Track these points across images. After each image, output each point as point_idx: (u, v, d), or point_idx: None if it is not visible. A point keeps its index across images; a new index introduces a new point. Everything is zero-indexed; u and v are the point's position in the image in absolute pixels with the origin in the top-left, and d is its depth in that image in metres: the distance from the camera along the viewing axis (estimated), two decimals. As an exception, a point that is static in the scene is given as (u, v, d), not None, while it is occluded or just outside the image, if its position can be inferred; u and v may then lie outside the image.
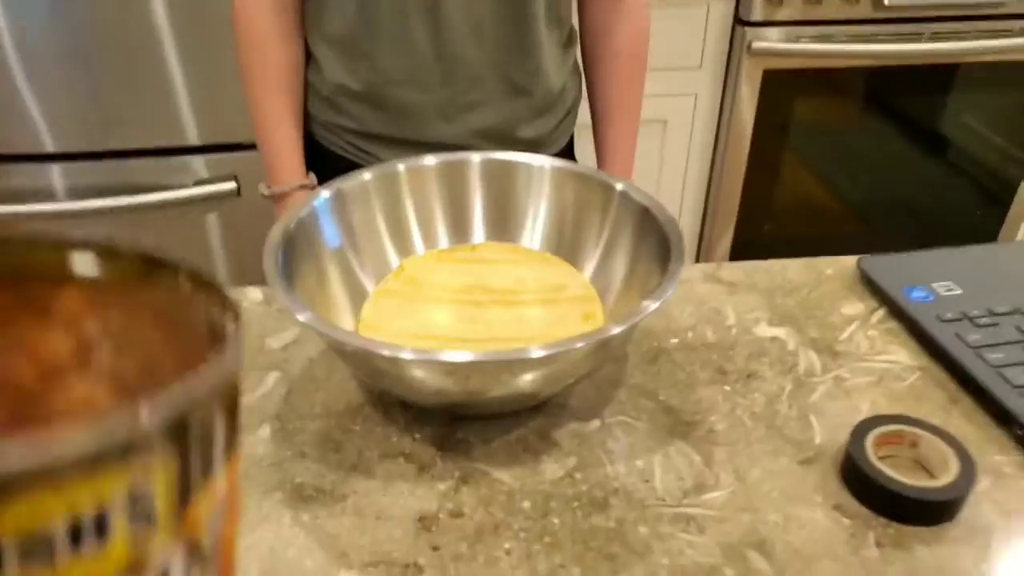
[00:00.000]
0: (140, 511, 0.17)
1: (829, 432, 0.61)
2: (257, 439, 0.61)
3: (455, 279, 0.71)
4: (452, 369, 0.52)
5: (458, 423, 0.62)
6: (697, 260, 2.07)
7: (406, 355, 0.51)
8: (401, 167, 0.70)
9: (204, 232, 1.54)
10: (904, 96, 1.95)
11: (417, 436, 0.61)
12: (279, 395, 0.65)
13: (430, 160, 0.71)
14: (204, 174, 1.50)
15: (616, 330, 0.53)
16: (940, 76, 1.92)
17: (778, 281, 0.79)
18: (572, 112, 1.07)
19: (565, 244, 0.72)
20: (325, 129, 1.00)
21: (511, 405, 0.61)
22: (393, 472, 0.58)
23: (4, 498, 0.15)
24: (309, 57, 0.97)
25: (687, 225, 2.02)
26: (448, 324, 0.67)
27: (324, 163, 1.01)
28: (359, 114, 0.95)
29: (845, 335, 0.71)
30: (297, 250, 0.61)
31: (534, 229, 0.73)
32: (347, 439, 0.61)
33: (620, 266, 0.68)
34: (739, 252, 2.04)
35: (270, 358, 0.69)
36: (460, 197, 0.73)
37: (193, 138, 1.47)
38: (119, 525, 0.17)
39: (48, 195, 1.46)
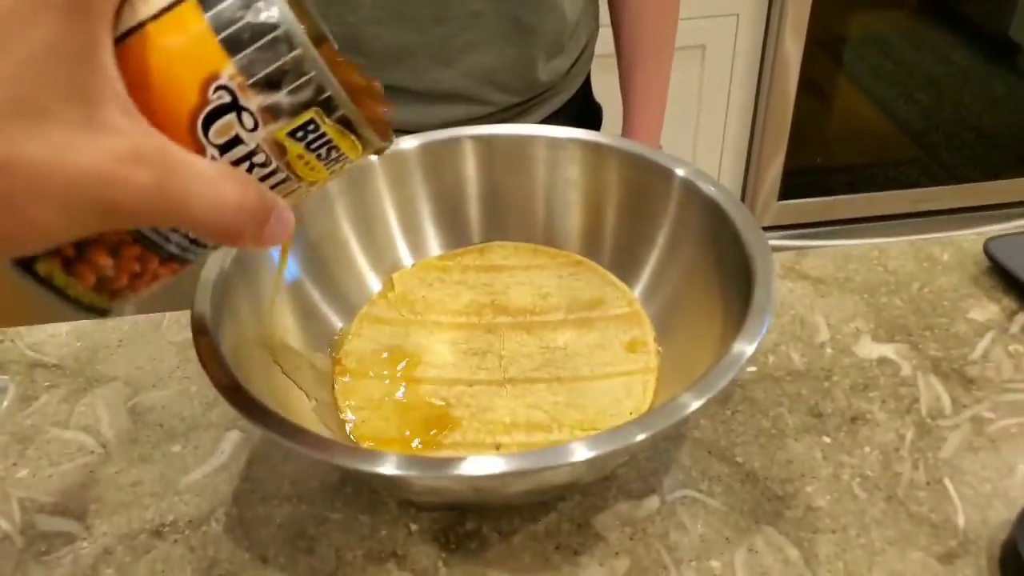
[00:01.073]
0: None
1: (976, 508, 0.45)
2: (208, 534, 0.46)
3: (459, 296, 0.55)
4: (452, 482, 0.36)
5: (468, 509, 0.46)
6: (743, 199, 1.87)
7: (387, 469, 0.35)
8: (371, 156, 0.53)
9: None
10: (969, -1, 1.72)
11: (413, 528, 0.46)
12: (238, 467, 0.50)
13: (409, 143, 0.54)
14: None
15: (695, 404, 0.37)
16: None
17: (879, 273, 0.61)
18: (588, 48, 0.88)
19: (603, 246, 0.55)
20: None
21: (537, 498, 0.45)
22: (382, 585, 0.43)
23: None
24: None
25: (732, 160, 1.82)
26: (452, 362, 0.51)
27: None
28: None
29: (978, 352, 0.54)
30: (236, 295, 0.45)
31: (559, 225, 0.56)
32: (322, 534, 0.46)
33: (676, 279, 0.51)
34: (789, 187, 1.84)
35: (228, 413, 0.53)
36: (455, 188, 0.55)
37: None
38: None
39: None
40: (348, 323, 0.53)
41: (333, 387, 0.50)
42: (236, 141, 0.27)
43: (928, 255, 0.62)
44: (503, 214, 0.57)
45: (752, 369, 0.54)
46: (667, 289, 0.51)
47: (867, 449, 0.48)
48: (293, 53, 0.27)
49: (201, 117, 0.27)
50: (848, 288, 0.60)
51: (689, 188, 0.49)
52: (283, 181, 0.30)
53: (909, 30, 1.75)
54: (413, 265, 0.56)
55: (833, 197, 1.90)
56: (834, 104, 1.83)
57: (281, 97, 0.27)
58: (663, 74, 0.89)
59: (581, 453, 0.35)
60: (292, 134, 0.28)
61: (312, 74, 0.27)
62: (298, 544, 0.46)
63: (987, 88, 1.84)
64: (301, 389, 0.48)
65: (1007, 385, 0.51)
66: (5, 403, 0.55)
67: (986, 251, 0.59)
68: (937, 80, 1.82)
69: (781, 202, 1.89)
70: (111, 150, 0.23)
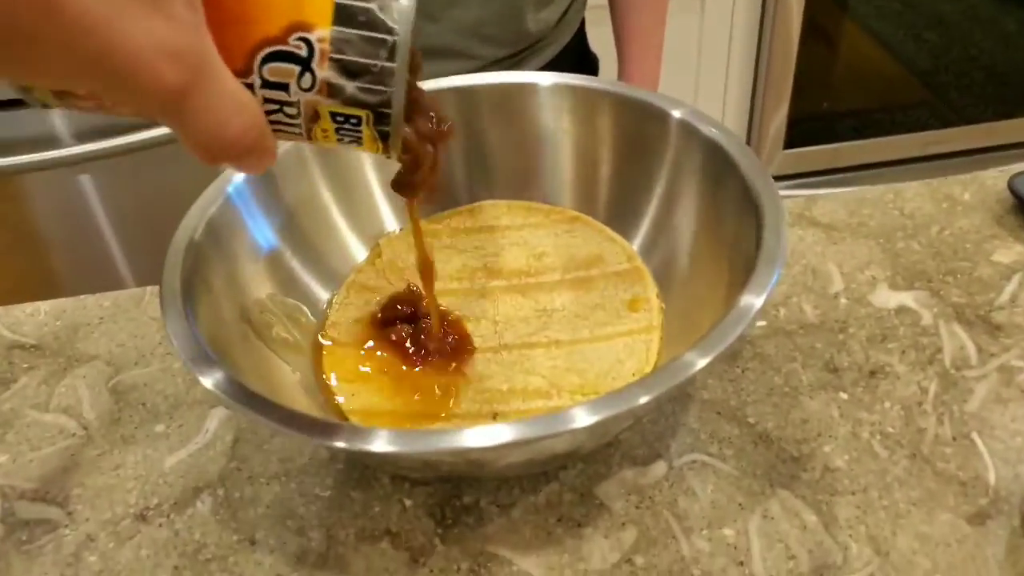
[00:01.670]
0: None
1: (1007, 463, 0.42)
2: (193, 517, 0.44)
3: (449, 260, 0.52)
4: (446, 455, 0.34)
5: (464, 481, 0.44)
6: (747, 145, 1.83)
7: (376, 446, 0.33)
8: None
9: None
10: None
11: (407, 503, 0.43)
12: (224, 445, 0.48)
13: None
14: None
15: (701, 362, 0.34)
16: None
17: (894, 217, 0.57)
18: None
19: (598, 199, 0.52)
20: None
21: (537, 468, 0.42)
22: (375, 565, 0.41)
23: None
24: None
25: (734, 109, 1.77)
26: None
27: None
28: None
29: (1005, 296, 0.51)
30: (209, 266, 0.42)
31: (552, 179, 0.52)
32: (312, 513, 0.44)
33: (678, 230, 0.48)
34: (794, 136, 1.79)
35: (211, 388, 0.51)
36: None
37: None
38: None
39: (51, 141, 1.33)
40: (333, 292, 0.50)
41: (321, 358, 0.48)
42: (283, 87, 0.27)
43: (947, 195, 0.58)
44: (492, 171, 0.53)
45: (762, 323, 0.51)
46: (668, 241, 0.48)
47: (887, 404, 0.45)
48: (388, 64, 0.27)
49: (268, 50, 0.26)
50: (862, 234, 0.56)
51: (688, 130, 0.46)
52: (291, 130, 0.29)
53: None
54: (401, 230, 0.53)
55: (840, 144, 1.85)
56: (839, 48, 1.78)
57: (350, 86, 0.27)
58: (658, 18, 0.85)
59: (580, 420, 0.33)
60: (335, 115, 0.28)
61: (389, 90, 0.28)
62: (287, 524, 0.43)
63: (997, 25, 1.78)
64: (284, 361, 0.46)
65: (1036, 330, 0.48)
66: (-16, 387, 0.53)
67: (1011, 188, 0.55)
68: (945, 18, 1.76)
69: (787, 151, 1.84)
70: (158, 38, 0.23)
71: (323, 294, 0.50)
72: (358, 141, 0.30)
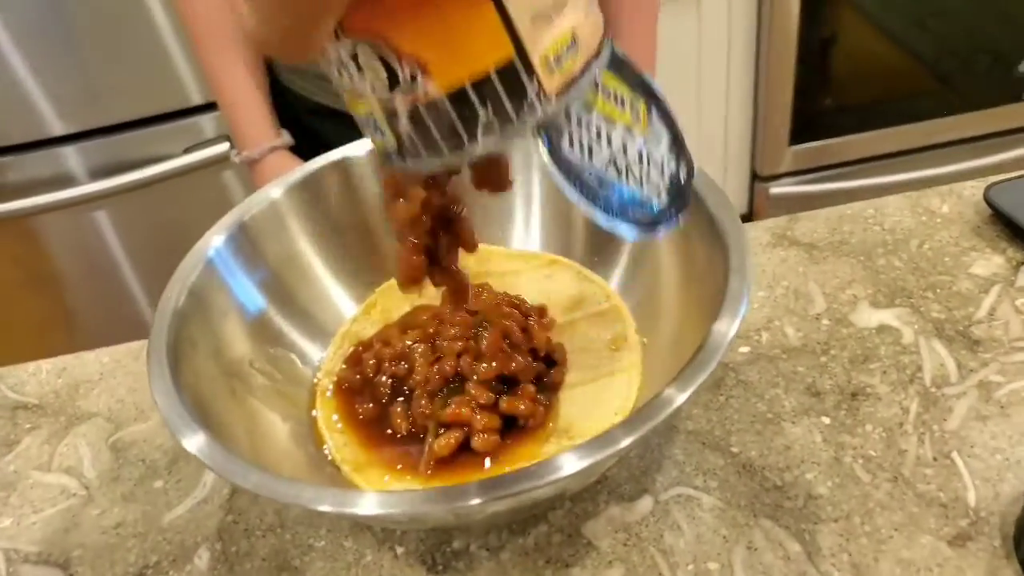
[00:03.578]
0: None
1: (987, 482, 0.42)
2: (192, 574, 0.45)
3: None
4: (428, 513, 0.35)
5: (455, 526, 0.45)
6: (752, 147, 1.82)
7: (362, 509, 0.34)
8: (318, 165, 0.51)
9: (226, 189, 1.41)
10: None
11: (399, 551, 0.44)
12: (221, 498, 0.49)
13: (355, 150, 0.51)
14: (211, 133, 1.37)
15: (680, 398, 0.35)
16: None
17: (875, 233, 0.58)
18: None
19: (574, 241, 0.52)
20: (291, 71, 0.82)
21: (524, 513, 0.43)
22: (370, 614, 0.42)
23: None
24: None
25: (737, 113, 1.77)
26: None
27: (295, 111, 0.83)
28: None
29: (983, 310, 0.51)
30: (192, 327, 0.43)
31: (528, 222, 0.53)
32: (307, 564, 0.45)
33: (652, 265, 0.48)
34: (799, 131, 1.78)
35: (208, 441, 0.52)
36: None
37: (197, 98, 1.34)
38: None
39: (67, 180, 1.36)
40: (322, 345, 0.51)
41: (312, 408, 0.49)
42: (365, 74, 0.27)
43: (926, 208, 0.58)
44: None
45: (745, 349, 0.51)
46: (644, 277, 0.49)
47: (869, 427, 0.46)
48: (450, 150, 0.27)
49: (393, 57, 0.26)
50: (843, 251, 0.56)
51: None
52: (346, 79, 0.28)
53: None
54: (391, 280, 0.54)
55: (846, 137, 1.84)
56: (841, 40, 1.77)
57: (483, 110, 0.26)
58: (649, 28, 0.85)
59: (563, 468, 0.34)
60: (377, 118, 0.28)
61: (432, 160, 0.28)
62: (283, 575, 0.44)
63: (1000, 7, 1.76)
64: (274, 412, 0.47)
65: (1016, 343, 0.48)
66: (-9, 448, 0.55)
67: (987, 199, 0.55)
68: (948, 5, 1.75)
69: (793, 147, 1.83)
70: None
71: (311, 347, 0.51)
72: (380, 134, 0.29)
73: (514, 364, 0.44)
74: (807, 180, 1.82)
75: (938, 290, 0.52)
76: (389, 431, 0.46)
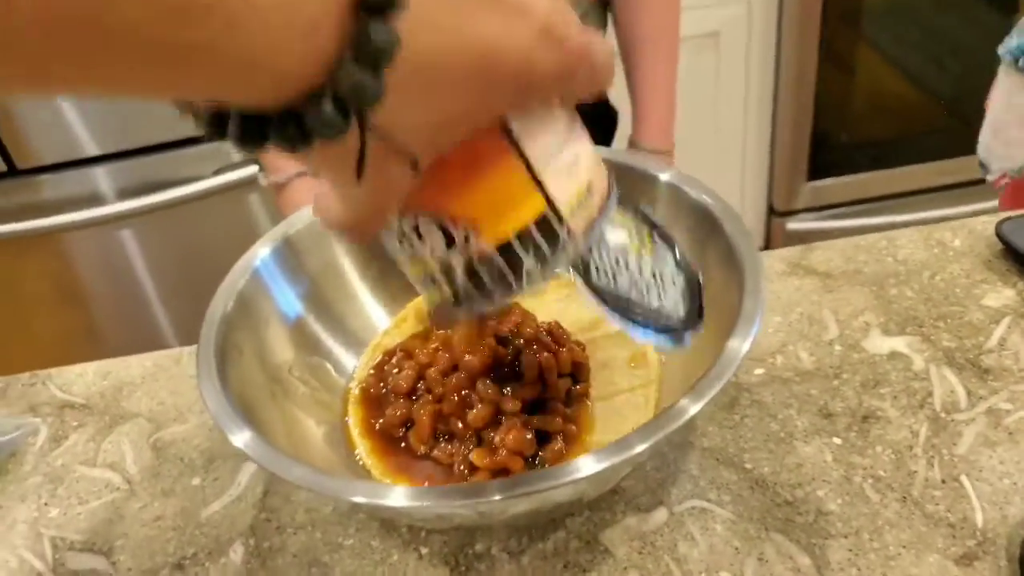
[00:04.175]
0: None
1: (995, 505, 0.44)
2: (227, 566, 0.47)
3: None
4: (454, 508, 0.37)
5: (477, 530, 0.47)
6: (770, 183, 1.84)
7: (392, 501, 0.36)
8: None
9: (251, 213, 1.45)
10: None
11: (424, 551, 0.46)
12: (255, 497, 0.51)
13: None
14: (238, 156, 1.40)
15: (694, 409, 0.37)
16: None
17: (888, 264, 0.60)
18: None
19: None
20: None
21: (544, 517, 0.45)
22: (396, 610, 0.44)
23: None
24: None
25: (755, 148, 1.79)
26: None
27: None
28: None
29: (993, 340, 0.53)
30: (239, 333, 0.46)
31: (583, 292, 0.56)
32: (335, 561, 0.47)
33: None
34: (817, 168, 1.80)
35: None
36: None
37: None
38: None
39: (96, 199, 1.40)
40: (356, 354, 0.54)
41: (346, 413, 0.51)
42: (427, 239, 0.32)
43: (939, 241, 0.61)
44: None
45: (760, 371, 0.53)
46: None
47: (879, 448, 0.48)
48: (479, 299, 0.33)
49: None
50: (857, 281, 0.59)
51: (676, 192, 0.49)
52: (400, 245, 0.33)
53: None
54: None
55: (864, 174, 1.86)
56: (858, 78, 1.79)
57: (530, 260, 0.31)
58: (670, 68, 0.89)
59: (580, 470, 0.36)
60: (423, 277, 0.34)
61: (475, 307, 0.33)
62: (313, 572, 0.46)
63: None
64: (309, 417, 0.49)
65: (1024, 373, 0.50)
66: (38, 444, 0.57)
67: (998, 233, 0.57)
68: (965, 44, 1.77)
69: (810, 183, 1.85)
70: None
71: (346, 356, 0.53)
72: (437, 289, 0.34)
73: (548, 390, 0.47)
74: (823, 216, 1.84)
75: (949, 320, 0.54)
76: (403, 443, 0.48)
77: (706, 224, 0.47)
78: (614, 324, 0.40)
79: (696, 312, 0.41)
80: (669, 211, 0.49)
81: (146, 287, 1.48)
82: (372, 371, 0.52)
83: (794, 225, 1.84)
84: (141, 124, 1.36)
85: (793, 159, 1.80)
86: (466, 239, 0.31)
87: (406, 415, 0.48)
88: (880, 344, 0.54)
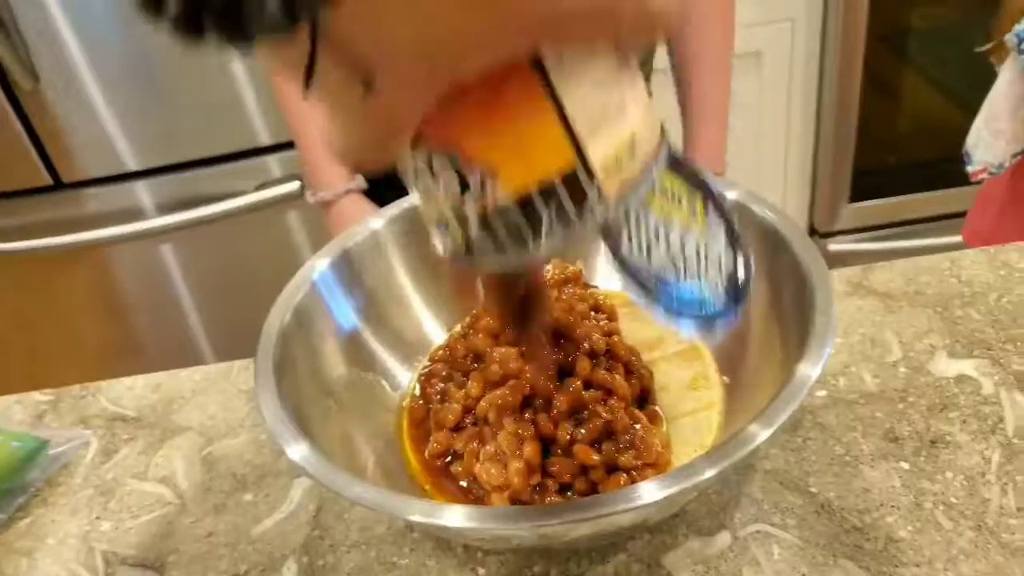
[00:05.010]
0: None
1: (1073, 535, 0.42)
2: (279, 583, 0.47)
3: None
4: (515, 530, 0.36)
5: (535, 552, 0.46)
6: (812, 204, 1.82)
7: (450, 521, 0.35)
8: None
9: (289, 230, 1.46)
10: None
11: (481, 572, 0.45)
12: (307, 514, 0.51)
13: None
14: (278, 173, 1.41)
15: (764, 435, 0.36)
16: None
17: (952, 285, 0.58)
18: (644, 68, 0.88)
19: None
20: None
21: (606, 540, 0.44)
22: (452, 632, 0.43)
23: None
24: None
25: (796, 168, 1.77)
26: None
27: None
28: None
29: (1066, 364, 0.51)
30: (295, 347, 0.46)
31: (607, 262, 0.55)
32: (391, 581, 0.46)
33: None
34: (860, 189, 1.78)
35: (295, 459, 0.54)
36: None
37: (265, 139, 1.39)
38: None
39: (138, 214, 1.42)
40: (410, 369, 0.53)
41: (401, 430, 0.51)
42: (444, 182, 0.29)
43: (1004, 262, 0.59)
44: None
45: (822, 393, 0.52)
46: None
47: (949, 474, 0.46)
48: (507, 247, 0.29)
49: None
50: (919, 302, 0.57)
51: (743, 211, 0.48)
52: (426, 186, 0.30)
53: (975, 15, 1.69)
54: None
55: (907, 196, 1.83)
56: (902, 100, 1.77)
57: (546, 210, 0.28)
58: (722, 88, 0.88)
59: (646, 496, 0.35)
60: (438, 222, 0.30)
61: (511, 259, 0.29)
62: (368, 591, 0.46)
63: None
64: (363, 433, 0.49)
65: (1100, 399, 0.48)
66: (88, 457, 0.58)
67: (1068, 255, 0.55)
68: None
69: (852, 204, 1.83)
70: None
71: (401, 371, 0.53)
72: (450, 236, 0.30)
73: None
74: (865, 238, 1.82)
75: (1018, 343, 0.53)
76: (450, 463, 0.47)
77: (773, 242, 0.46)
78: (638, 302, 0.36)
79: (736, 300, 0.37)
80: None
81: (185, 301, 1.50)
82: (419, 384, 0.51)
83: (835, 246, 1.82)
84: (183, 139, 1.37)
85: (835, 180, 1.78)
86: (483, 185, 0.27)
87: (449, 446, 0.47)
88: (946, 367, 0.52)
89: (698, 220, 0.38)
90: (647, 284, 0.37)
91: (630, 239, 0.36)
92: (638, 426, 0.45)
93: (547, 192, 0.27)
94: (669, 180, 0.37)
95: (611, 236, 0.36)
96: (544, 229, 0.28)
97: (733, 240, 0.38)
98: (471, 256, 0.30)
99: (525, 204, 0.27)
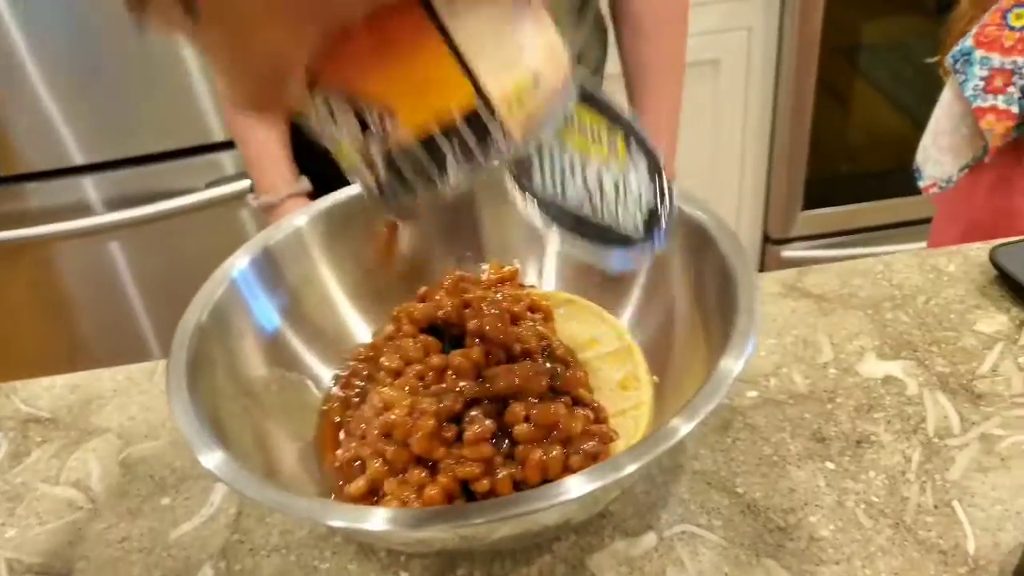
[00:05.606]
0: None
1: (987, 531, 0.42)
2: (194, 590, 0.45)
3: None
4: (436, 532, 0.35)
5: (459, 554, 0.45)
6: (766, 210, 1.84)
7: (371, 525, 0.34)
8: (343, 196, 0.52)
9: (242, 228, 1.43)
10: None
11: (403, 576, 0.44)
12: (228, 518, 0.49)
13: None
14: (231, 170, 1.38)
15: (686, 428, 0.35)
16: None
17: (883, 288, 0.59)
18: (596, 76, 0.88)
19: (589, 280, 0.53)
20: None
21: (529, 541, 0.43)
22: (370, 638, 0.42)
23: None
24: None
25: (751, 176, 1.79)
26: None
27: (313, 153, 0.86)
28: None
29: (986, 366, 0.51)
30: (212, 346, 0.44)
31: (542, 262, 0.55)
32: (310, 585, 0.45)
33: (664, 305, 0.49)
34: (812, 197, 1.80)
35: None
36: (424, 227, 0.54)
37: (218, 135, 1.36)
38: None
39: (84, 209, 1.38)
40: (334, 369, 0.52)
41: (322, 430, 0.49)
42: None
43: (933, 266, 0.60)
44: (482, 250, 0.55)
45: (753, 394, 0.52)
46: (656, 316, 0.50)
47: (872, 473, 0.46)
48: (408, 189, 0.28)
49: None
50: (852, 304, 0.57)
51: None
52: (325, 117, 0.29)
53: (927, 32, 1.72)
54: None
55: (858, 204, 1.86)
56: (854, 110, 1.80)
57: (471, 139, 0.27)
58: (674, 94, 0.88)
59: (567, 492, 0.34)
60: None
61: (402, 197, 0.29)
62: (285, 597, 0.44)
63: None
64: (284, 433, 0.47)
65: (1017, 399, 0.49)
66: None
67: (992, 260, 0.56)
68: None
69: (805, 212, 1.85)
70: None
71: (325, 371, 0.52)
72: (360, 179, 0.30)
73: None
74: (818, 245, 1.84)
75: (943, 345, 0.53)
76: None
77: (700, 241, 0.46)
78: (555, 237, 0.36)
79: (656, 231, 0.37)
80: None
81: (133, 300, 1.46)
82: (338, 385, 0.50)
83: (789, 253, 1.84)
84: (132, 133, 1.34)
85: (789, 188, 1.80)
86: (383, 126, 0.27)
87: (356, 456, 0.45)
88: (875, 368, 0.52)
89: (618, 156, 0.38)
90: (563, 218, 0.36)
91: (543, 175, 0.36)
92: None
93: (449, 130, 0.27)
94: (588, 117, 0.37)
95: (523, 171, 0.35)
96: (449, 166, 0.27)
97: (654, 171, 0.37)
98: (383, 197, 0.29)
99: (428, 144, 0.27)
